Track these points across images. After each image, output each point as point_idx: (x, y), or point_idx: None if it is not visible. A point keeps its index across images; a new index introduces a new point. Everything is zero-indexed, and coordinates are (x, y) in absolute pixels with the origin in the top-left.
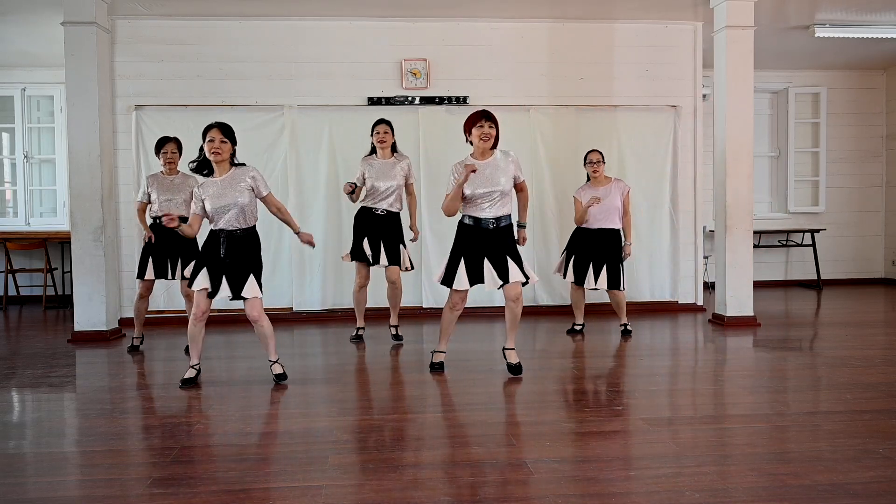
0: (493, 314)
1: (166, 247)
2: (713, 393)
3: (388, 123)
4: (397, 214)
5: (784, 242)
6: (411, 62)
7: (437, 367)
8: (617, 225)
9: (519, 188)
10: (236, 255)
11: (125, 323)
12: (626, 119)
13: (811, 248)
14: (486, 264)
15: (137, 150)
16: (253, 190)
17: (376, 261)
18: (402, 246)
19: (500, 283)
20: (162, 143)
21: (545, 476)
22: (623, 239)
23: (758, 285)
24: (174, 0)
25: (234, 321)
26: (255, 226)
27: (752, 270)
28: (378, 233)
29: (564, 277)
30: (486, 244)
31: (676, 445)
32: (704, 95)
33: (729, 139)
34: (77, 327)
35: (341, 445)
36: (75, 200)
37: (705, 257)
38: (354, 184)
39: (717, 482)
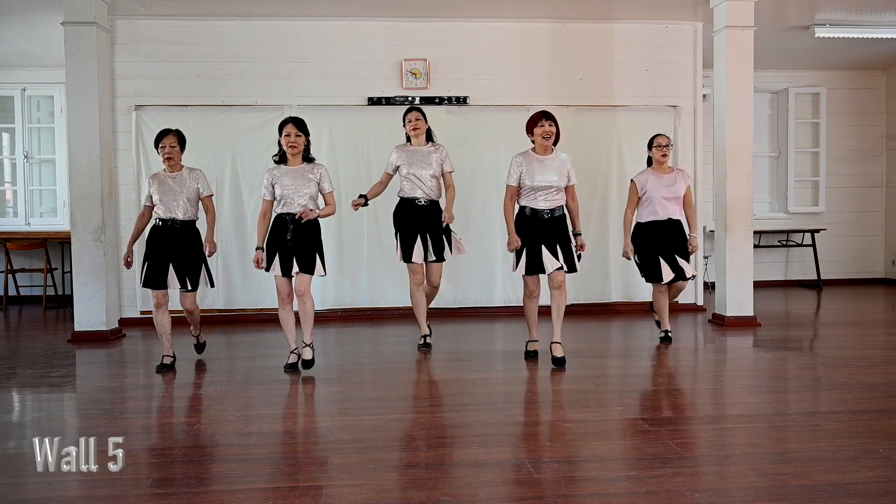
0: (493, 314)
1: (170, 253)
2: (713, 393)
3: (420, 111)
4: (438, 203)
5: (784, 242)
6: (411, 62)
7: (531, 356)
8: (681, 215)
9: (569, 194)
10: (302, 237)
11: (125, 323)
12: (626, 119)
13: (811, 248)
14: (544, 250)
15: (137, 150)
16: (318, 183)
17: (427, 257)
18: (449, 234)
19: (557, 266)
20: (160, 137)
21: (545, 476)
22: (687, 231)
23: (758, 285)
24: (174, 0)
25: (235, 321)
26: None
27: (752, 270)
28: (422, 225)
29: (648, 280)
30: (542, 232)
31: (676, 445)
32: (704, 95)
33: (729, 139)
34: (77, 327)
35: (341, 445)
36: (75, 200)
37: (705, 257)
38: (364, 196)
39: (717, 482)
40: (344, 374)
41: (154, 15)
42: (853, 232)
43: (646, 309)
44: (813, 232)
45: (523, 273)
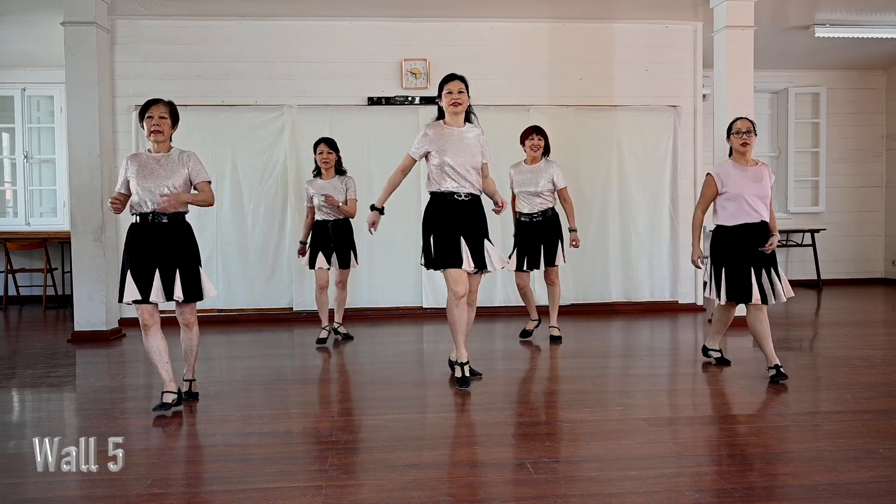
0: (493, 314)
1: (155, 257)
2: (713, 393)
3: (463, 80)
4: (479, 199)
5: (784, 242)
6: (411, 62)
7: (526, 335)
8: (767, 217)
9: (561, 196)
10: (340, 237)
11: (125, 323)
12: (626, 119)
13: (811, 248)
14: (541, 249)
15: (137, 150)
16: (346, 191)
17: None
18: (488, 242)
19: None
20: (147, 106)
21: (545, 476)
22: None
23: None
24: (174, 0)
25: (235, 321)
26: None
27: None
28: (464, 225)
29: (719, 298)
30: (536, 234)
31: (676, 445)
32: (704, 95)
33: None
34: (77, 327)
35: (341, 445)
36: (75, 200)
37: (705, 257)
38: (378, 209)
39: (717, 482)
40: (344, 374)
41: (154, 15)
42: (853, 232)
43: (646, 308)
44: (813, 232)
45: (515, 270)
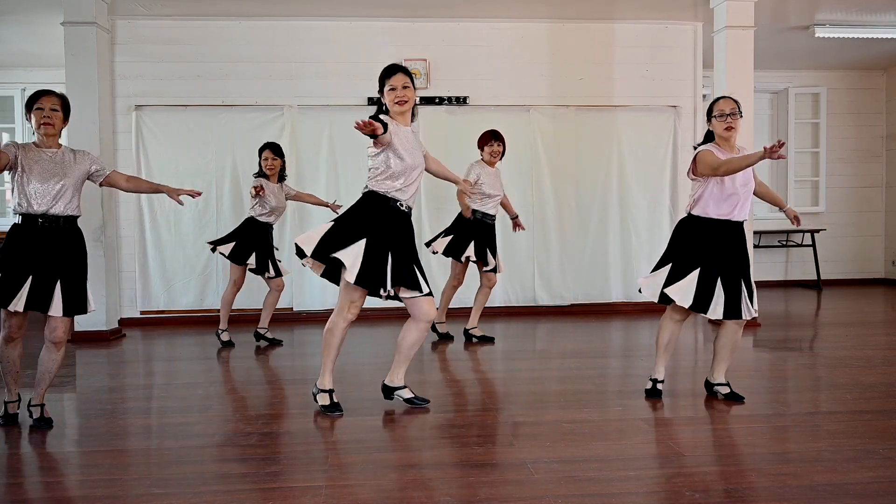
0: (493, 314)
1: (41, 263)
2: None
3: (408, 73)
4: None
5: (784, 242)
6: (411, 62)
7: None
8: (746, 215)
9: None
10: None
11: (125, 323)
12: (626, 119)
13: (811, 248)
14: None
15: (137, 150)
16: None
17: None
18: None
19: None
20: (37, 97)
21: (545, 476)
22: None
23: (758, 285)
24: (174, 0)
25: (234, 321)
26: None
27: (752, 271)
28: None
29: (696, 309)
30: (491, 234)
31: (676, 445)
32: (704, 96)
33: None
34: (77, 327)
35: (341, 445)
36: None
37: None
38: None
39: (717, 482)
40: (344, 374)
41: (154, 15)
42: (853, 232)
43: (646, 308)
44: (813, 232)
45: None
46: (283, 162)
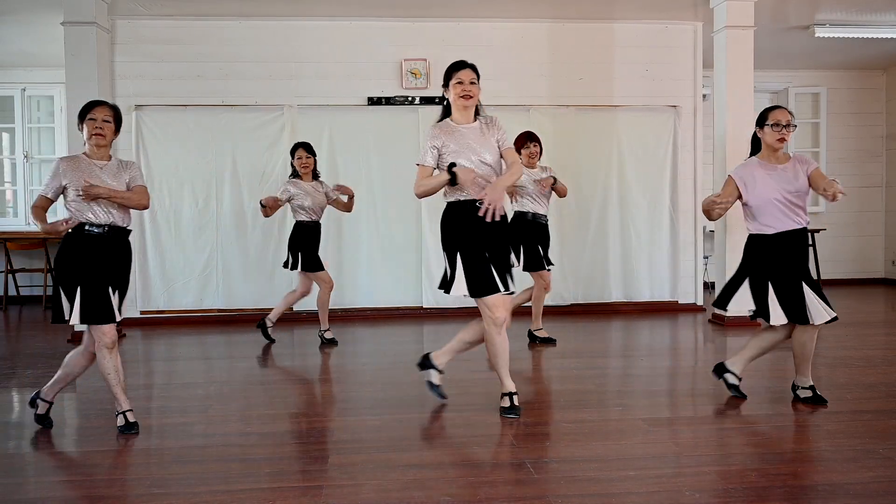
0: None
1: (108, 273)
2: (713, 393)
3: (475, 69)
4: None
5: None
6: (411, 62)
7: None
8: (803, 222)
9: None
10: (314, 239)
11: (125, 323)
12: (626, 119)
13: (811, 248)
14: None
15: (137, 150)
16: (327, 192)
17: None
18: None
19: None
20: (89, 108)
21: (545, 476)
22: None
23: None
24: (174, 0)
25: (235, 321)
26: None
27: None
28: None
29: (755, 317)
30: (545, 234)
31: (676, 445)
32: (704, 95)
33: (729, 139)
34: (77, 327)
35: (341, 445)
36: None
37: (705, 257)
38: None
39: (717, 482)
40: (344, 374)
41: (154, 15)
42: (853, 232)
43: (646, 308)
44: (813, 232)
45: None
46: (316, 160)
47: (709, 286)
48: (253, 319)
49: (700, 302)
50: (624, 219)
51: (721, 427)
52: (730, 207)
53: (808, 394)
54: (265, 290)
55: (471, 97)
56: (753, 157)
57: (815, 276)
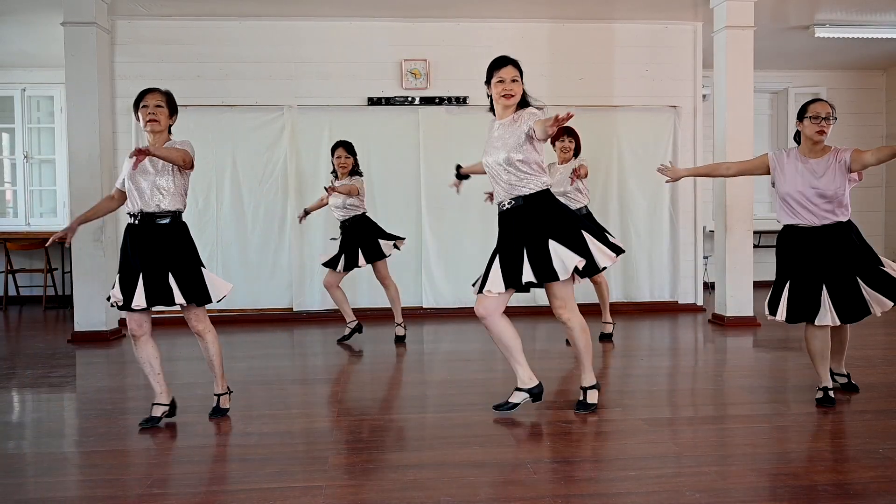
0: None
1: (142, 260)
2: (713, 393)
3: (517, 65)
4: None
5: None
6: (411, 62)
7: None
8: (845, 216)
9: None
10: (351, 234)
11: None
12: (626, 119)
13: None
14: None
15: None
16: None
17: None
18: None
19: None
20: (142, 96)
21: (545, 476)
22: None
23: (758, 285)
24: (174, 0)
25: (235, 321)
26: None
27: (753, 271)
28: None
29: (776, 315)
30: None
31: (676, 445)
32: (704, 95)
33: (729, 139)
34: (77, 327)
35: (341, 445)
36: (75, 201)
37: (705, 257)
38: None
39: (717, 482)
40: (344, 374)
41: (154, 15)
42: None
43: (646, 308)
44: None
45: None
46: (356, 159)
47: (709, 286)
48: (253, 319)
49: (700, 302)
50: (624, 219)
51: (721, 427)
52: (745, 173)
53: (844, 380)
54: (265, 290)
55: (512, 96)
56: (793, 148)
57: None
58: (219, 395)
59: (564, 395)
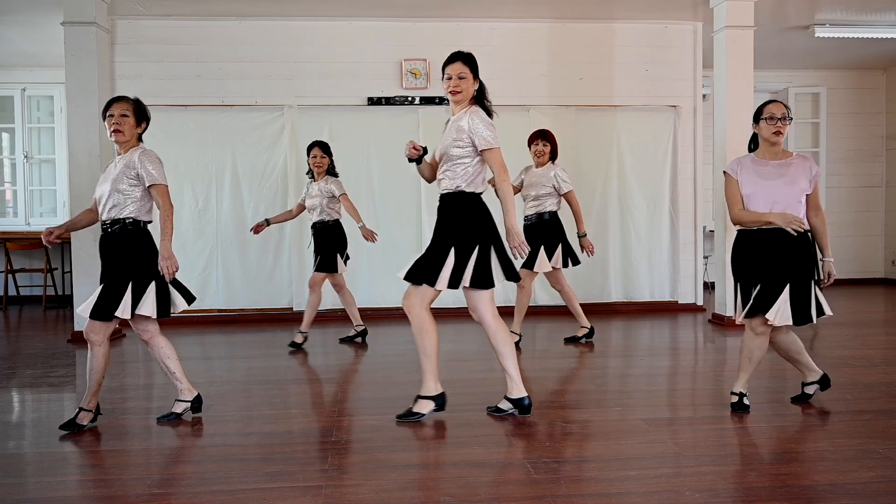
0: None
1: (104, 268)
2: (713, 393)
3: (466, 60)
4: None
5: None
6: (411, 62)
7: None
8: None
9: (567, 200)
10: (321, 240)
11: (125, 323)
12: (626, 119)
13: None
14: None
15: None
16: (329, 194)
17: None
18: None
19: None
20: (109, 105)
21: (545, 476)
22: (815, 249)
23: None
24: (174, 0)
25: (235, 321)
26: (337, 220)
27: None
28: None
29: (741, 317)
30: (536, 236)
31: (676, 445)
32: (704, 95)
33: (729, 139)
34: (77, 327)
35: (341, 445)
36: (75, 200)
37: (705, 257)
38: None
39: (717, 482)
40: (344, 374)
41: (154, 15)
42: (853, 232)
43: (646, 308)
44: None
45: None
46: (332, 159)
47: (709, 286)
48: (253, 319)
49: (700, 302)
50: (624, 219)
51: (721, 427)
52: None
53: (811, 389)
54: (265, 290)
55: (458, 93)
56: (748, 154)
57: (817, 276)
58: (82, 409)
59: (564, 395)
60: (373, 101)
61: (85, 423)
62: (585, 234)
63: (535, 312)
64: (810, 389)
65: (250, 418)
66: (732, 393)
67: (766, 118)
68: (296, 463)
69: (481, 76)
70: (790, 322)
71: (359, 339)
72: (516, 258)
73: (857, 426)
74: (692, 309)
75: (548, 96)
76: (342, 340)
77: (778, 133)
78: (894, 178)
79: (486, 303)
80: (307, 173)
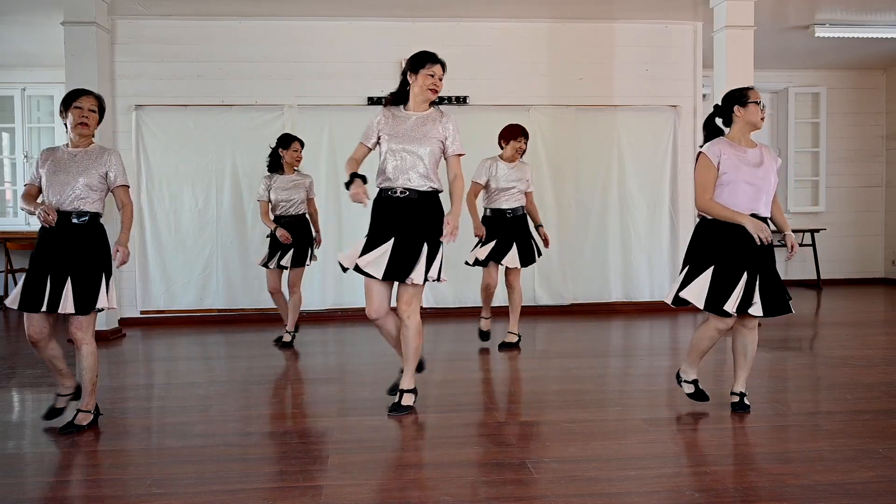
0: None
1: (61, 262)
2: (713, 393)
3: (444, 66)
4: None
5: (783, 242)
6: None
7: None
8: (768, 212)
9: (528, 198)
10: (299, 233)
11: (125, 323)
12: (626, 119)
13: (811, 248)
14: (514, 247)
15: (137, 150)
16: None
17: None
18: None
19: (517, 264)
20: (74, 96)
21: (545, 476)
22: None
23: None
24: (174, 0)
25: (234, 321)
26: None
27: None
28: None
29: (707, 307)
30: (512, 230)
31: (676, 445)
32: (704, 95)
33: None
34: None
35: (341, 445)
36: None
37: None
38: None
39: (717, 482)
40: (344, 374)
41: (154, 15)
42: (853, 232)
43: (645, 308)
44: (813, 232)
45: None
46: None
47: None
48: (253, 319)
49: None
50: (624, 219)
51: (721, 427)
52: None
53: (692, 389)
54: (265, 289)
55: (437, 92)
56: (721, 137)
57: (816, 276)
58: (80, 410)
59: (564, 395)
60: (373, 101)
61: (85, 424)
62: (542, 225)
63: (536, 312)
64: (688, 388)
65: (250, 418)
66: (732, 393)
67: (754, 101)
68: (296, 463)
69: (481, 76)
70: (761, 314)
71: (286, 345)
72: (449, 243)
73: (857, 426)
74: (692, 309)
75: (548, 96)
76: (276, 342)
77: (763, 118)
78: (894, 178)
79: (420, 299)
80: (269, 166)
